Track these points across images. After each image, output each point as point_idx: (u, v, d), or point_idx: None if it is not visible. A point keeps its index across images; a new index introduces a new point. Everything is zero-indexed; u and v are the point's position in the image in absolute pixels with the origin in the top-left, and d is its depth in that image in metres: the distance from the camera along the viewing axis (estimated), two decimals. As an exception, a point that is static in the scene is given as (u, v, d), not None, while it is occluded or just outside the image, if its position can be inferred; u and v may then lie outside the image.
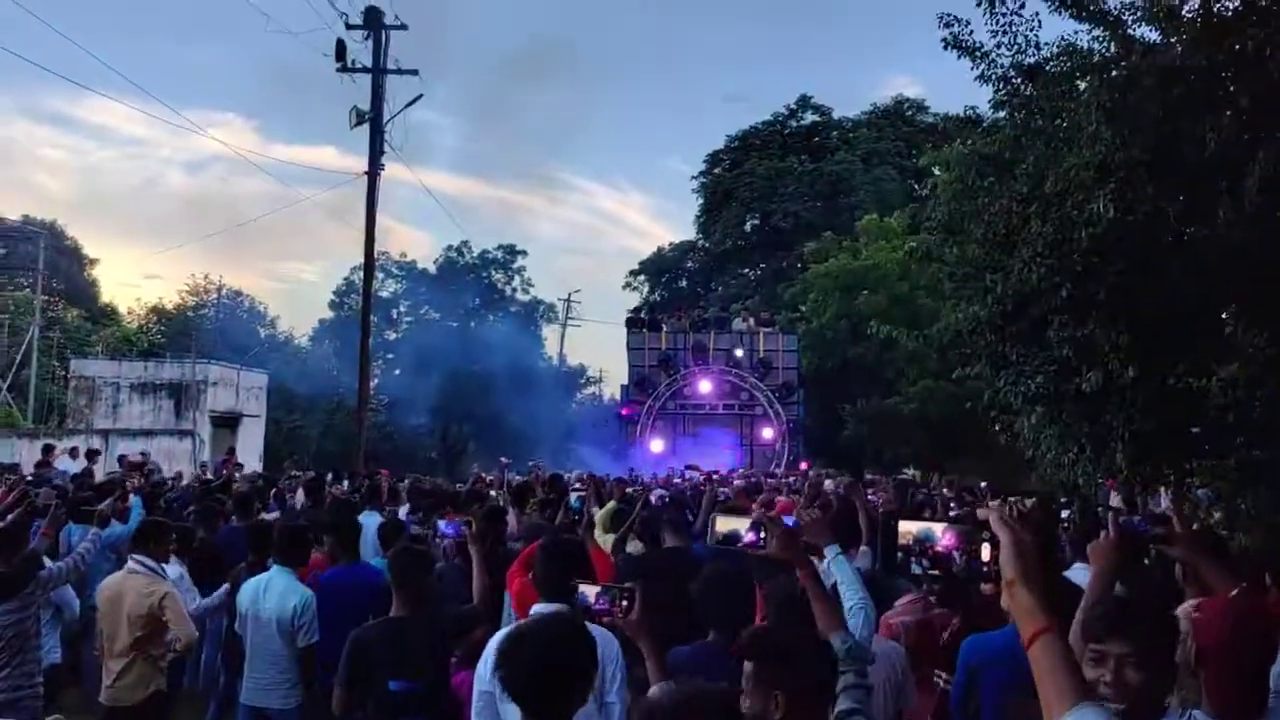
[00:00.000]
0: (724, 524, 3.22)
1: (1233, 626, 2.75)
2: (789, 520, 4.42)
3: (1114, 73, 7.09)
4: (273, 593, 5.91)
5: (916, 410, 29.12)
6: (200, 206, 75.67)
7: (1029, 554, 1.48)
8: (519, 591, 5.20)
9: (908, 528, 1.64)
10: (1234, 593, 3.18)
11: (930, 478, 34.80)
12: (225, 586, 6.92)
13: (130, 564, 6.01)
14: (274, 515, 10.21)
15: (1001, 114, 8.82)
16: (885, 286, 31.06)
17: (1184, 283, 6.00)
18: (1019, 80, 8.70)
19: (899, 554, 1.63)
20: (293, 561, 6.15)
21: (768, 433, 28.01)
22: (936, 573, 1.63)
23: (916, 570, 1.62)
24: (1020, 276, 6.17)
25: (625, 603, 2.96)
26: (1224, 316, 6.90)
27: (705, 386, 28.06)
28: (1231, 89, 6.58)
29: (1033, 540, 1.54)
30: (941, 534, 1.61)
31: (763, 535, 3.12)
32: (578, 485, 11.15)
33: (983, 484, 17.86)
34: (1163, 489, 11.73)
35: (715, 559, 5.28)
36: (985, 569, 1.57)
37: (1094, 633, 2.31)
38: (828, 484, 8.33)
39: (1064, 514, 9.96)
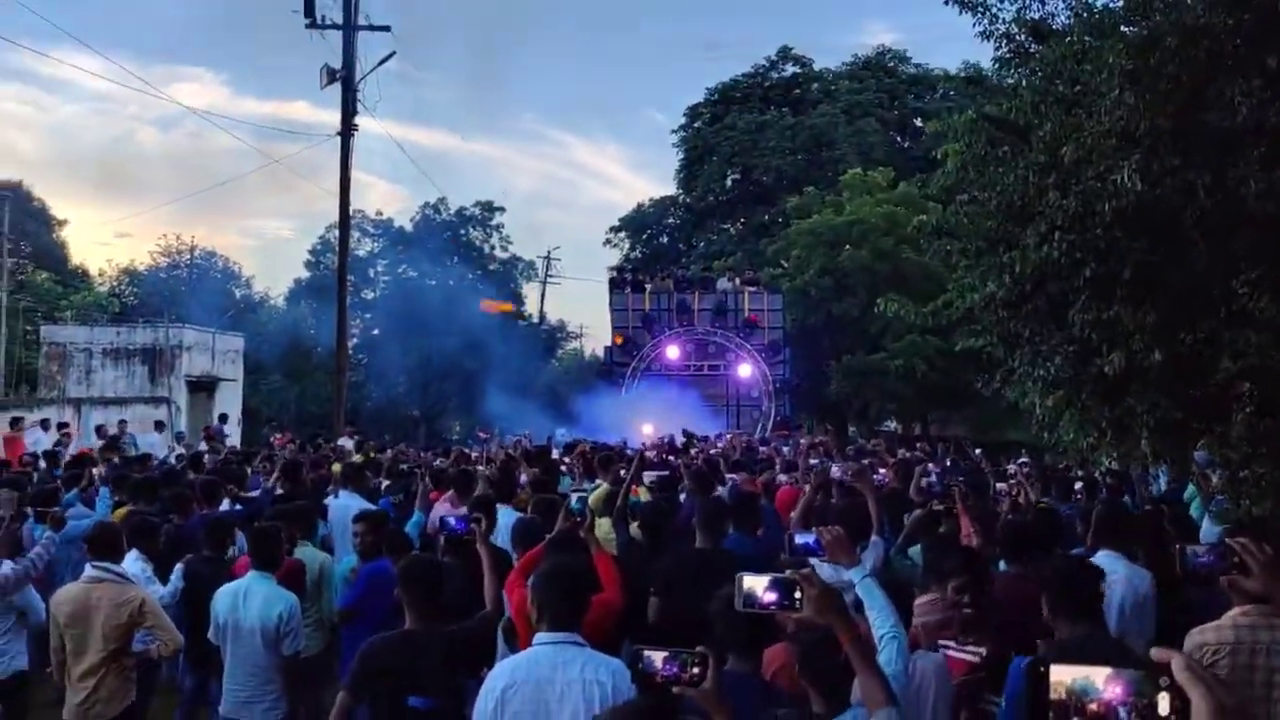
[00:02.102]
0: (750, 583, 2.87)
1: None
2: (805, 541, 4.07)
3: (1132, 32, 6.69)
4: (254, 601, 5.58)
5: (902, 365, 28.94)
6: (172, 164, 74.17)
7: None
8: (520, 604, 4.87)
9: (1060, 677, 1.26)
10: None
11: (912, 429, 34.84)
12: (178, 570, 6.58)
13: (91, 570, 5.58)
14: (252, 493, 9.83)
15: (1007, 74, 8.43)
16: (869, 241, 30.72)
17: (1210, 257, 5.67)
18: (1024, 37, 8.30)
19: (1049, 713, 1.25)
20: (270, 565, 5.81)
21: (754, 393, 27.78)
22: None
23: None
24: (1040, 252, 5.81)
25: (697, 670, 2.58)
26: (1240, 285, 6.58)
27: (673, 352, 27.64)
28: (1259, 50, 6.19)
29: (1235, 702, 1.19)
30: (1104, 684, 1.24)
31: (797, 596, 2.78)
32: (565, 463, 10.85)
33: (978, 450, 17.74)
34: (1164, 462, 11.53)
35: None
36: None
37: None
38: (835, 471, 8.03)
39: (1077, 486, 9.75)
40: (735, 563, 5.52)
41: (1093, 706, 1.24)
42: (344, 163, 18.97)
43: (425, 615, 4.44)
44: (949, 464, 13.22)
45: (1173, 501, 8.76)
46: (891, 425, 35.71)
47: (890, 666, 3.24)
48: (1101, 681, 1.25)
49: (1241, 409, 8.15)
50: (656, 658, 2.62)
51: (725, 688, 3.78)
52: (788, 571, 2.92)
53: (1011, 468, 11.65)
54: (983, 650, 4.31)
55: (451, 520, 5.82)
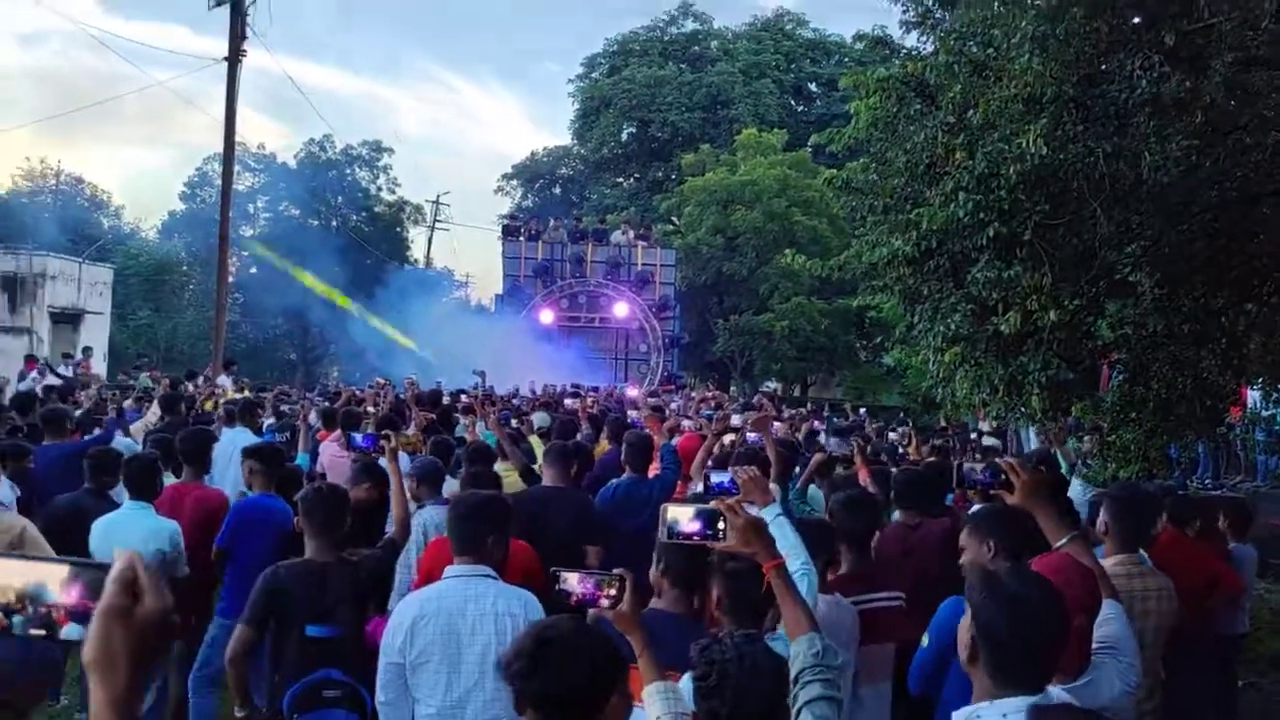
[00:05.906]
0: (675, 513, 2.86)
1: (1062, 585, 2.64)
2: (721, 480, 4.08)
3: (1042, 2, 6.83)
4: (133, 533, 5.33)
5: (787, 326, 29.50)
6: (33, 82, 69.57)
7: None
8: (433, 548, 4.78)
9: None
10: (1063, 541, 3.24)
11: (792, 390, 35.61)
12: None
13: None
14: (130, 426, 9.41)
15: (913, 36, 8.55)
16: (761, 202, 31.06)
17: (1106, 225, 5.88)
18: (931, 2, 8.40)
19: None
20: (149, 495, 5.56)
21: (642, 348, 27.89)
22: None
23: None
24: (945, 211, 5.93)
25: (614, 591, 2.57)
26: (1125, 258, 6.85)
27: (547, 317, 27.41)
28: (1158, 27, 6.40)
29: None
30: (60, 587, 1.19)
31: (721, 526, 2.78)
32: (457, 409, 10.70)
33: (862, 409, 18.27)
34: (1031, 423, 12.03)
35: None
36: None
37: None
38: (735, 419, 8.11)
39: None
40: (581, 502, 5.63)
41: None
42: (230, 87, 18.03)
43: (328, 545, 4.30)
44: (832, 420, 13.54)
45: (1047, 462, 9.16)
46: (773, 385, 36.36)
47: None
48: (56, 585, 1.19)
49: (1115, 376, 8.50)
50: (573, 579, 2.62)
51: (662, 626, 3.70)
52: (711, 503, 2.92)
53: (898, 431, 12.01)
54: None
55: (359, 438, 5.68)
